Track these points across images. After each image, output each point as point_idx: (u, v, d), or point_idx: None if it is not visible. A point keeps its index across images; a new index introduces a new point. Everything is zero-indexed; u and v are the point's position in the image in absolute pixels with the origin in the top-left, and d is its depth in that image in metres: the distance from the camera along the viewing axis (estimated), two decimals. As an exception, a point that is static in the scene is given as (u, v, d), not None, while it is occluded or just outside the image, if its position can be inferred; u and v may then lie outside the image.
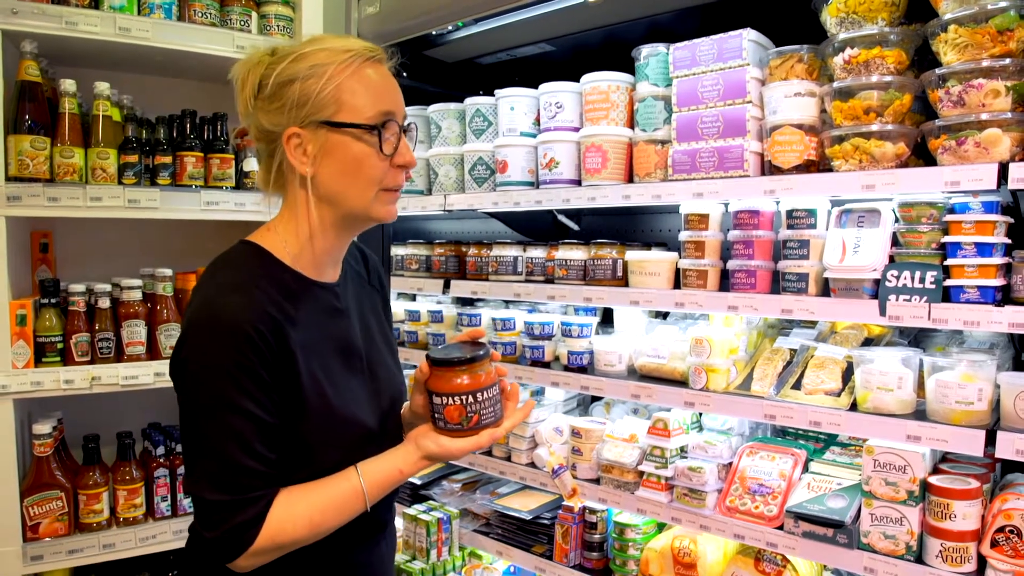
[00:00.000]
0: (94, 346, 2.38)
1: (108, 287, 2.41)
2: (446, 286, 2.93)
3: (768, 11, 2.30)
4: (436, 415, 1.50)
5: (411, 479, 3.21)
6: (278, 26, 2.62)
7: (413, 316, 3.15)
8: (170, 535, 2.48)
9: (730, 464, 2.31)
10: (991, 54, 1.79)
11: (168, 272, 2.48)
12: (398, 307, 3.24)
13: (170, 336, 2.47)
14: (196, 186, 2.50)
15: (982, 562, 1.85)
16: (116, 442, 2.47)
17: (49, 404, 2.43)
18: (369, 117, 1.37)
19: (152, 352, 2.46)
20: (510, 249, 2.79)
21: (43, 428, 2.30)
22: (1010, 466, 2.15)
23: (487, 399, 1.50)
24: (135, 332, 2.43)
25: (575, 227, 3.24)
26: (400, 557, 2.97)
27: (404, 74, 3.00)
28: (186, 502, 2.53)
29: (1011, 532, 1.80)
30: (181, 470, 2.52)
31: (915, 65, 2.03)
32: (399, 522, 3.12)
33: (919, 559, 1.92)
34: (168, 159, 2.46)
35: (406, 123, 1.46)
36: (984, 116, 1.78)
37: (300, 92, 1.36)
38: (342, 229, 1.47)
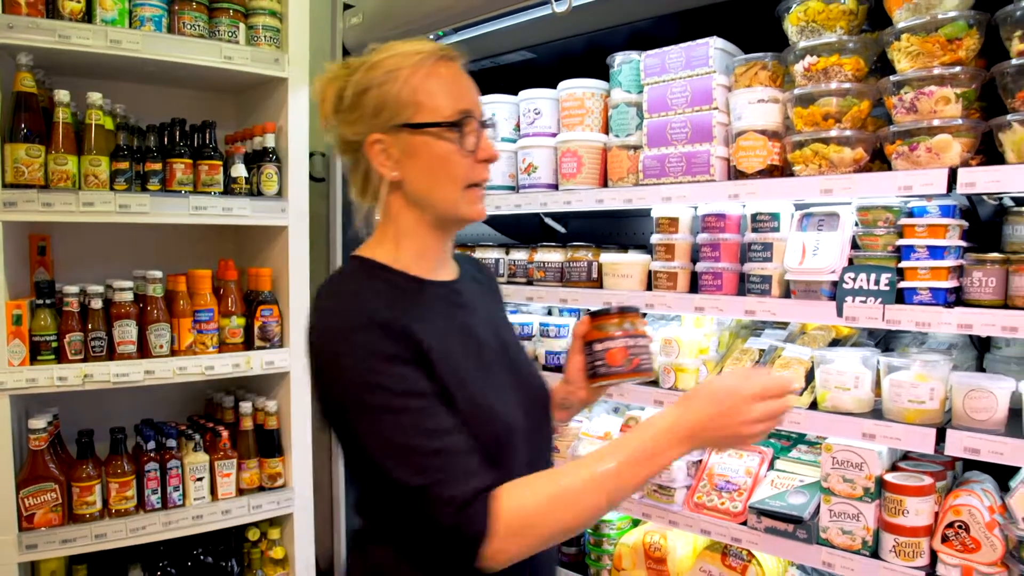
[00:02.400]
0: (87, 345, 2.48)
1: (101, 288, 2.50)
2: (431, 287, 3.01)
3: (741, 18, 2.35)
4: (598, 362, 1.54)
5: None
6: (266, 37, 2.70)
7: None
8: (160, 526, 2.57)
9: (699, 461, 2.37)
10: (941, 62, 1.84)
11: (158, 274, 2.57)
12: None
13: (160, 336, 2.56)
14: (185, 192, 2.58)
15: (934, 556, 1.90)
16: (109, 437, 2.56)
17: (45, 400, 2.53)
18: (447, 115, 1.37)
19: (142, 351, 2.56)
20: (492, 251, 2.86)
21: (38, 423, 2.39)
22: (973, 464, 2.19)
23: (644, 345, 1.56)
24: (126, 332, 2.52)
25: (562, 229, 3.30)
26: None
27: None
28: (176, 495, 2.62)
29: (960, 527, 1.84)
30: (171, 464, 2.61)
31: (877, 72, 2.07)
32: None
33: (875, 554, 1.97)
34: (158, 166, 2.55)
35: (484, 118, 1.45)
36: (935, 122, 1.83)
37: (377, 99, 1.37)
38: (435, 229, 1.45)
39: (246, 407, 2.77)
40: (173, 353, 2.61)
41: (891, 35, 1.91)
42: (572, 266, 2.57)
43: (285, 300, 2.80)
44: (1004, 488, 1.94)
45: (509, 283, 2.79)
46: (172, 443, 2.64)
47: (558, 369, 2.61)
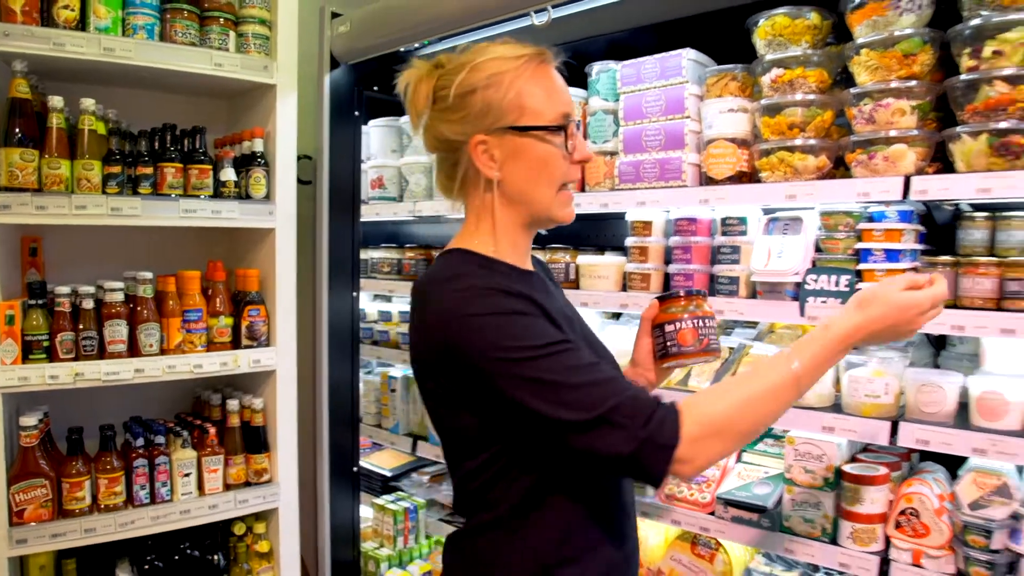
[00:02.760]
0: (78, 344, 2.54)
1: (92, 289, 2.57)
2: (415, 289, 3.09)
3: (713, 31, 2.46)
4: (669, 343, 1.63)
5: (382, 471, 3.37)
6: (255, 44, 2.78)
7: (385, 316, 3.31)
8: (148, 520, 2.63)
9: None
10: (898, 76, 1.95)
11: (148, 275, 2.64)
12: (372, 308, 3.40)
13: (150, 335, 2.63)
14: (175, 195, 2.65)
15: (888, 542, 2.01)
16: (99, 435, 2.63)
17: (36, 398, 2.59)
18: (551, 119, 1.43)
19: (133, 350, 2.62)
20: (473, 254, 2.95)
21: (29, 420, 2.45)
22: (928, 455, 2.30)
23: (712, 326, 1.65)
24: (117, 331, 2.58)
25: (543, 231, 3.39)
26: (368, 544, 3.13)
27: (375, 88, 3.19)
28: (164, 490, 2.69)
29: (911, 514, 1.96)
30: (159, 460, 2.67)
31: (840, 83, 2.18)
32: (369, 511, 3.28)
33: (833, 540, 2.08)
34: (149, 170, 2.62)
35: (577, 119, 1.51)
36: (892, 132, 1.94)
37: (483, 101, 1.41)
38: (527, 228, 1.52)
39: (233, 404, 2.84)
40: (162, 352, 2.68)
41: (852, 50, 2.02)
42: (551, 267, 2.66)
43: (272, 300, 2.87)
44: (955, 477, 2.05)
45: (490, 284, 2.88)
46: (160, 440, 2.71)
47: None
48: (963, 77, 1.84)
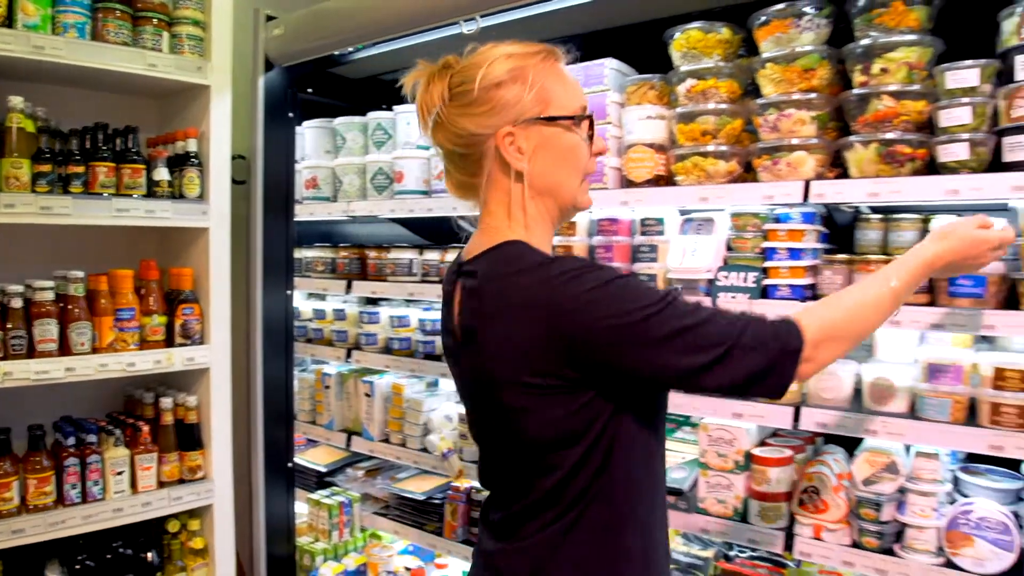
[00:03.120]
0: (6, 343, 2.52)
1: (20, 288, 2.56)
2: (348, 287, 3.16)
3: (635, 42, 2.59)
4: None
5: (317, 466, 3.42)
6: (189, 45, 2.80)
7: (319, 314, 3.36)
8: (79, 520, 2.63)
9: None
10: (799, 88, 2.12)
11: (80, 274, 2.64)
12: (306, 306, 3.45)
13: (82, 334, 2.63)
14: (108, 194, 2.66)
15: (793, 519, 2.18)
16: (28, 435, 2.62)
17: (-37, 399, 2.57)
18: (574, 109, 1.47)
19: (63, 349, 2.62)
20: (407, 252, 3.03)
21: (-44, 420, 2.44)
22: (831, 438, 2.48)
23: None
24: (47, 330, 2.58)
25: (473, 230, 3.49)
26: (304, 539, 3.18)
27: (310, 90, 3.24)
28: (96, 489, 2.68)
29: (812, 492, 2.13)
30: (91, 459, 2.67)
31: (750, 93, 2.34)
32: (304, 507, 3.33)
33: (744, 519, 2.24)
34: (81, 169, 2.62)
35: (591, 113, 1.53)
36: (794, 140, 2.11)
37: (509, 94, 1.43)
38: (552, 220, 1.52)
39: (167, 402, 2.85)
40: (95, 351, 2.68)
41: (759, 63, 2.19)
42: (481, 266, 2.76)
43: (206, 299, 2.90)
44: (853, 457, 2.23)
45: (423, 282, 2.97)
46: (92, 439, 2.71)
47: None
48: (855, 91, 2.02)
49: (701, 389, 1.36)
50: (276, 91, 3.12)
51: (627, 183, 2.44)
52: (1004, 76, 1.86)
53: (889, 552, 2.06)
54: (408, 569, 3.09)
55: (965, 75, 1.87)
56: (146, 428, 2.80)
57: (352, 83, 3.43)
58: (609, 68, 2.47)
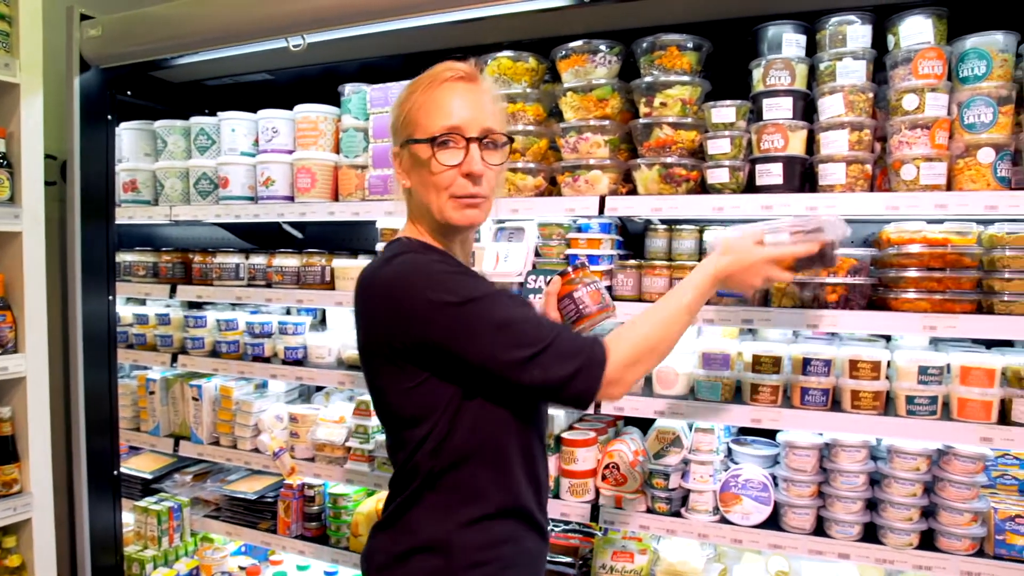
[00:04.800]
0: None
1: None
2: (172, 291, 3.16)
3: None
4: (581, 306, 1.85)
5: (143, 474, 3.39)
6: (-6, 43, 2.71)
7: (141, 320, 3.33)
8: None
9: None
10: (595, 115, 2.41)
11: None
12: (126, 311, 3.40)
13: None
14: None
15: (598, 492, 2.49)
16: None
17: None
18: (432, 132, 1.55)
19: None
20: (233, 256, 3.08)
21: None
22: (632, 420, 2.83)
23: (604, 287, 1.92)
24: None
25: (300, 235, 3.58)
26: (132, 548, 3.16)
27: (129, 93, 3.20)
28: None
29: (612, 467, 2.44)
30: None
31: (556, 115, 2.60)
32: (130, 516, 3.30)
33: (556, 495, 2.53)
34: None
35: (483, 135, 1.57)
36: (591, 161, 2.39)
37: (396, 117, 1.62)
38: (441, 231, 1.64)
39: (-23, 415, 2.75)
40: None
41: (561, 91, 2.46)
42: (307, 270, 2.88)
43: (20, 305, 2.80)
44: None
45: (249, 286, 3.03)
46: None
47: (297, 363, 2.92)
48: (641, 120, 2.34)
49: (519, 387, 1.49)
50: (93, 92, 3.05)
51: (447, 194, 2.64)
52: (755, 114, 2.24)
53: (677, 515, 2.42)
54: (243, 568, 3.15)
55: (725, 112, 2.23)
56: (-46, 442, 2.69)
57: (174, 87, 3.40)
58: (429, 87, 2.65)
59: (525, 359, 1.46)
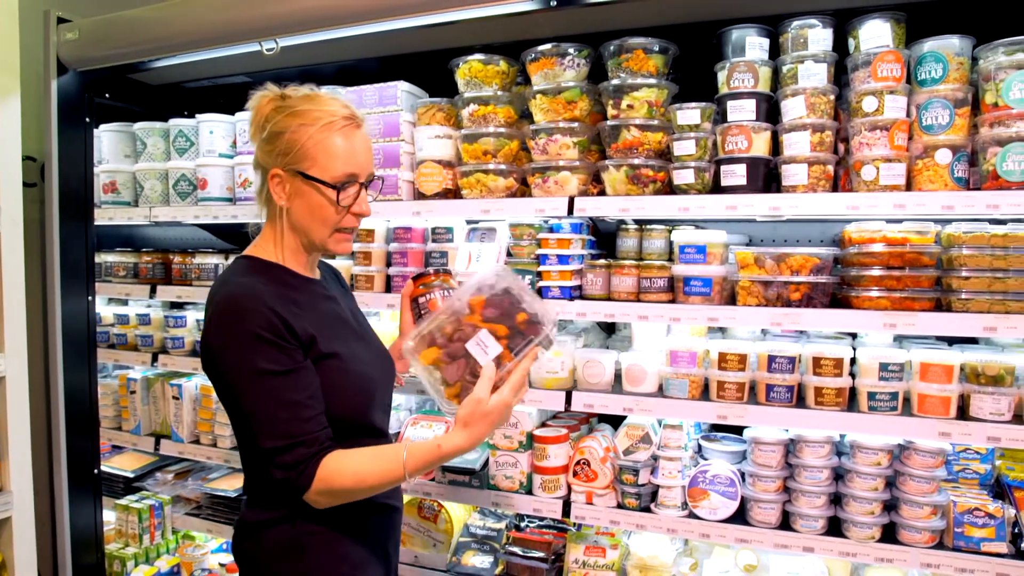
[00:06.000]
0: None
1: None
2: (153, 291, 3.19)
3: (426, 66, 2.80)
4: (424, 311, 1.93)
5: (124, 472, 3.42)
6: (-31, 46, 2.72)
7: (122, 320, 3.35)
8: None
9: (398, 433, 2.84)
10: (564, 118, 2.44)
11: None
12: (107, 312, 3.42)
13: None
14: None
15: (570, 488, 2.53)
16: None
17: None
18: (333, 177, 1.67)
19: None
20: (212, 257, 3.11)
21: None
22: (604, 418, 2.87)
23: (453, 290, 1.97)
24: None
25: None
26: (113, 546, 3.19)
27: (107, 95, 3.22)
28: None
29: (584, 464, 2.48)
30: None
31: (527, 118, 2.63)
32: (112, 515, 3.32)
33: (529, 491, 2.57)
34: None
35: (369, 179, 1.75)
36: (561, 162, 2.43)
37: (287, 143, 1.66)
38: (306, 249, 1.78)
39: (-44, 416, 2.77)
40: None
41: (531, 94, 2.49)
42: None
43: (-1, 307, 2.83)
44: (615, 433, 2.61)
45: (230, 287, 3.06)
46: None
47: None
48: (609, 122, 2.37)
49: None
50: (71, 95, 3.07)
51: (419, 195, 2.67)
52: (720, 116, 2.28)
53: (647, 510, 2.46)
54: (223, 565, 3.18)
55: (690, 114, 2.26)
56: (-66, 443, 2.71)
57: (152, 89, 3.42)
58: (402, 90, 2.69)
59: (267, 448, 1.59)
